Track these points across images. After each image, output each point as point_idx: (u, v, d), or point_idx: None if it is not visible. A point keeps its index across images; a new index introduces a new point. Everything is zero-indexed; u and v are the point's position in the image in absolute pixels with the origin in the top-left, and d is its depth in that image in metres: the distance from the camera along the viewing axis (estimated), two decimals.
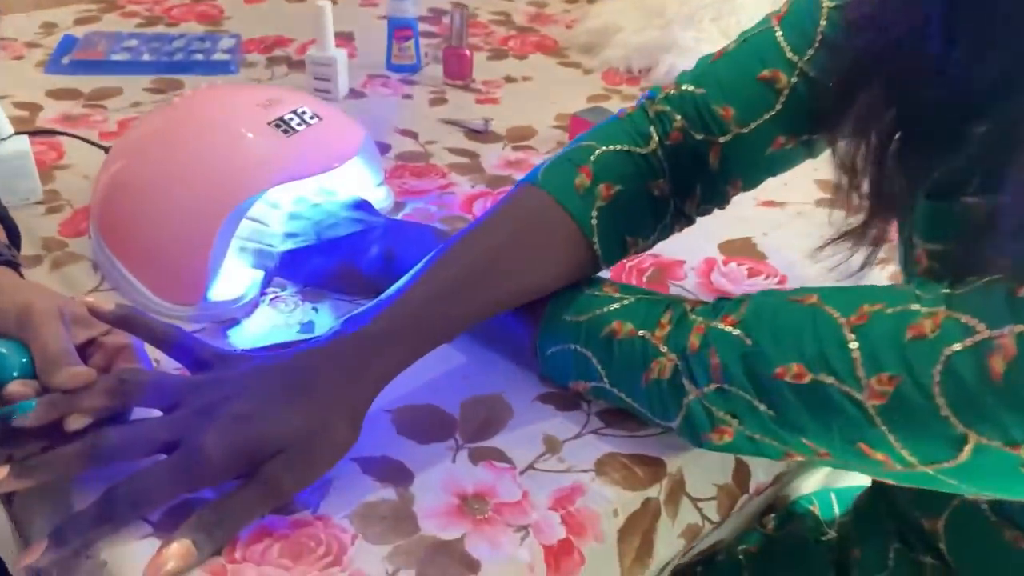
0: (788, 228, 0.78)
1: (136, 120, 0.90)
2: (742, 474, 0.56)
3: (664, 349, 0.49)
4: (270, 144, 0.62)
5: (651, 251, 0.65)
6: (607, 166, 0.55)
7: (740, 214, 0.74)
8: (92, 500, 0.45)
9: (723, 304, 0.49)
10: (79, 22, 1.16)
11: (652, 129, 0.57)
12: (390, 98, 1.01)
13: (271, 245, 0.66)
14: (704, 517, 0.54)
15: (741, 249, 0.75)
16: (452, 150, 0.89)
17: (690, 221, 0.61)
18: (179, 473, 0.45)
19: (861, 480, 0.76)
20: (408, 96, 1.02)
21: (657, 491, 0.51)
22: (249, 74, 1.04)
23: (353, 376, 0.48)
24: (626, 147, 0.56)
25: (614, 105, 0.99)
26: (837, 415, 0.42)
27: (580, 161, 0.56)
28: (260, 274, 0.65)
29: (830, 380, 0.42)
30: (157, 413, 0.48)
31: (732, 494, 0.55)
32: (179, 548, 0.43)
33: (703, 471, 0.54)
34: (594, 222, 0.54)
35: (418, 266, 0.53)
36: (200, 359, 0.50)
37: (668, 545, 0.52)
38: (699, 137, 0.56)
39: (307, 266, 0.66)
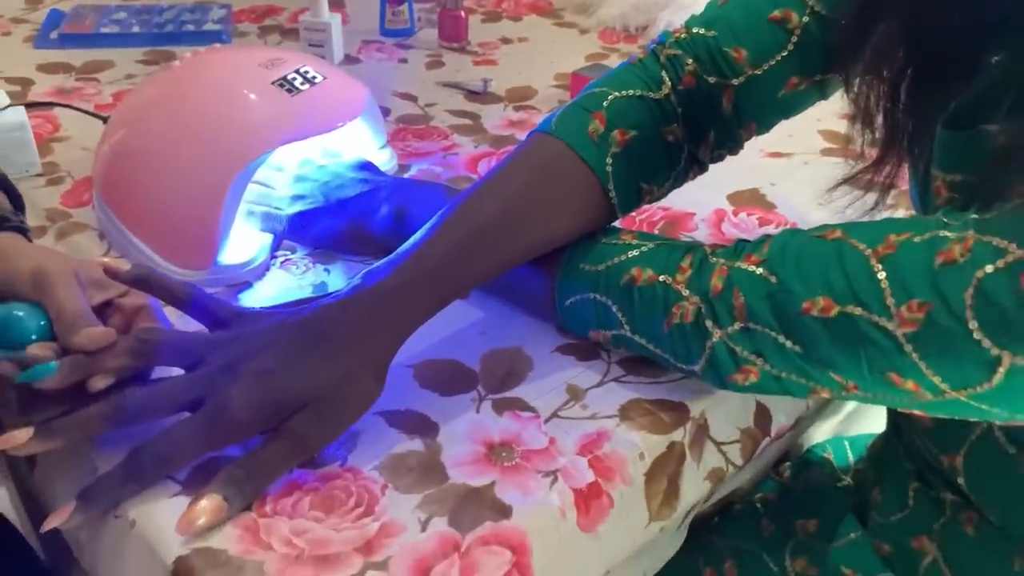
0: (795, 178, 0.78)
1: (132, 89, 0.89)
2: (763, 418, 0.56)
3: (686, 293, 0.48)
4: (275, 104, 0.62)
5: (661, 204, 0.64)
6: (621, 112, 0.55)
7: (747, 165, 0.74)
8: (118, 461, 0.45)
9: (744, 245, 0.49)
10: None
11: (664, 74, 0.57)
12: (386, 63, 1.00)
13: (278, 208, 0.66)
14: (728, 461, 0.54)
15: (750, 200, 0.74)
16: (453, 112, 0.88)
17: (703, 168, 0.60)
18: (205, 430, 0.44)
19: (873, 427, 0.76)
20: (404, 60, 1.01)
21: (681, 435, 0.51)
22: (241, 44, 1.03)
23: (375, 329, 0.48)
24: (639, 92, 0.56)
25: (614, 63, 0.98)
26: (866, 346, 0.42)
27: (593, 107, 0.55)
28: (269, 237, 0.65)
29: (858, 311, 0.42)
30: (178, 372, 0.47)
31: (754, 437, 0.55)
32: (210, 503, 0.43)
33: (726, 415, 0.54)
34: (609, 169, 0.54)
35: (434, 218, 0.52)
36: (219, 317, 0.50)
37: (694, 488, 0.52)
38: (712, 80, 0.56)
39: (316, 228, 0.65)
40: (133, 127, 0.63)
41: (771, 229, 0.71)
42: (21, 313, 0.46)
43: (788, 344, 0.45)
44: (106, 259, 0.49)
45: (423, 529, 0.44)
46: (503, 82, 0.94)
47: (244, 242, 0.63)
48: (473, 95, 0.92)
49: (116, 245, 0.64)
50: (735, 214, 0.72)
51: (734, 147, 0.60)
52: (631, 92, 0.56)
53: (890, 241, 0.42)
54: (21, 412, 0.54)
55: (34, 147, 0.72)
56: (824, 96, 0.58)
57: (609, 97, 0.55)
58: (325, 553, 0.42)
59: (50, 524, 0.44)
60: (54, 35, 1.00)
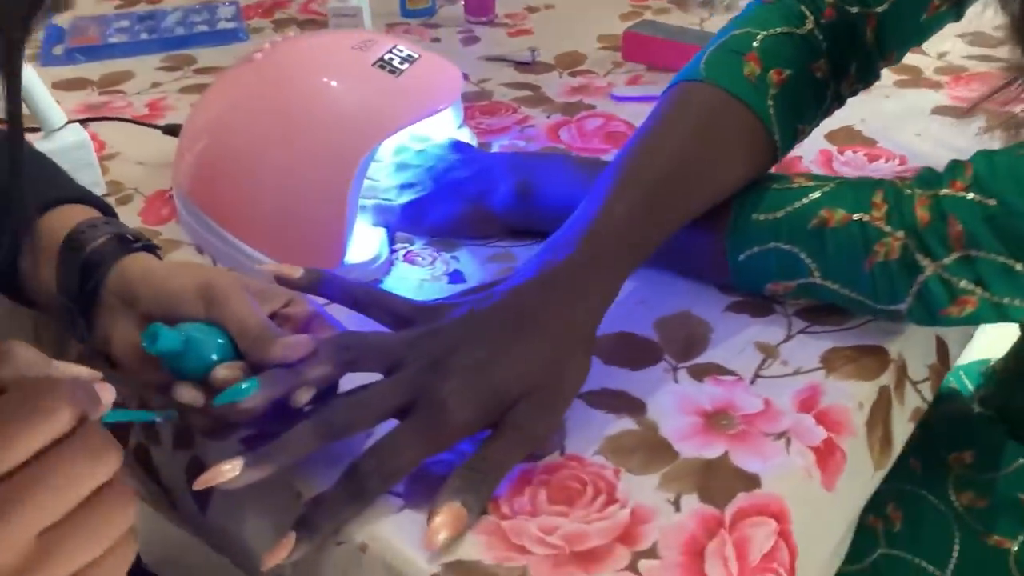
0: (883, 112, 0.76)
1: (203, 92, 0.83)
2: (943, 351, 0.54)
3: (888, 228, 0.46)
4: (382, 87, 0.58)
5: None
6: (772, 51, 0.52)
7: None
8: (322, 483, 0.41)
9: (936, 174, 0.47)
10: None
11: (804, 8, 0.54)
12: (419, 44, 0.95)
13: (388, 199, 0.62)
14: (923, 399, 0.52)
15: (848, 137, 0.72)
16: (509, 85, 0.84)
17: (841, 103, 0.58)
18: (424, 434, 0.41)
19: (977, 355, 0.75)
20: (436, 39, 0.97)
21: (887, 379, 0.49)
22: (261, 40, 0.97)
23: (577, 304, 0.45)
24: (786, 29, 0.53)
25: (655, 17, 0.95)
26: None
27: (743, 49, 0.52)
28: (383, 233, 0.61)
29: None
30: (365, 379, 0.44)
31: (939, 372, 0.54)
32: (450, 514, 0.39)
33: (917, 353, 0.52)
34: (771, 111, 0.51)
35: (600, 182, 0.49)
36: (401, 315, 0.46)
37: (902, 431, 0.50)
38: (854, 11, 0.54)
39: (432, 215, 0.61)
40: (224, 132, 0.59)
41: (882, 164, 0.69)
42: (198, 335, 0.42)
43: (1019, 267, 0.43)
44: (272, 266, 0.45)
45: (677, 509, 0.41)
46: (548, 50, 0.91)
47: (362, 239, 0.59)
48: (522, 66, 0.88)
49: (223, 258, 0.59)
50: (840, 152, 0.70)
51: (871, 79, 0.58)
52: (778, 29, 0.53)
53: None
54: (177, 446, 0.50)
55: (98, 165, 0.67)
56: (959, 17, 0.57)
57: (758, 36, 0.53)
58: (587, 548, 0.39)
59: (272, 562, 0.40)
60: (58, 51, 0.94)
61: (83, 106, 0.83)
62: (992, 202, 0.43)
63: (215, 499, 0.47)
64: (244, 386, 0.40)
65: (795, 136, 0.54)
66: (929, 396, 0.53)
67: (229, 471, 0.39)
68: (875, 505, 0.64)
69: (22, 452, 0.28)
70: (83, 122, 0.70)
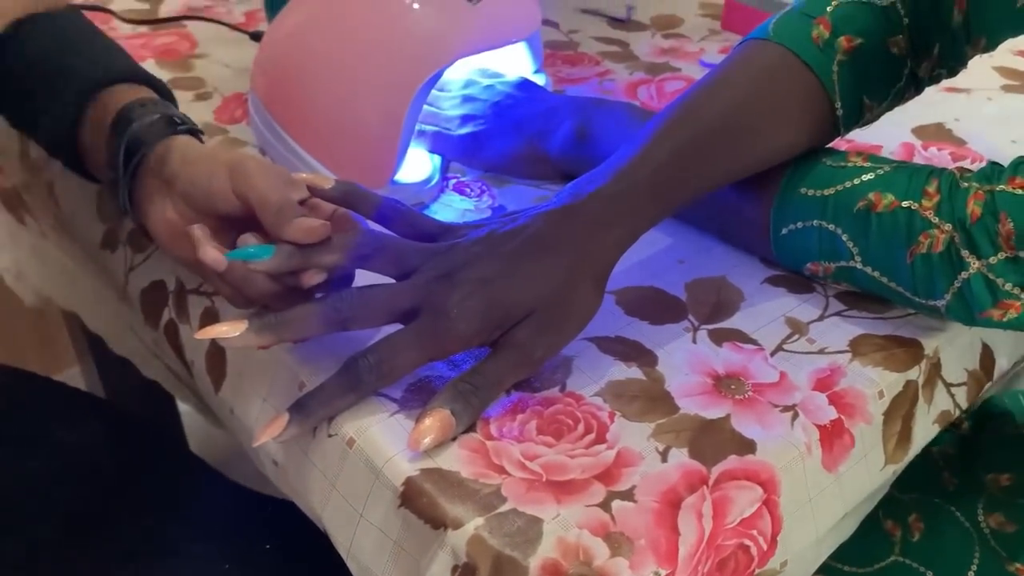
0: (982, 114, 0.72)
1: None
2: (988, 360, 0.52)
3: (936, 220, 0.44)
4: (457, 13, 0.57)
5: (845, 138, 0.60)
6: (846, 18, 0.50)
7: (926, 99, 0.68)
8: (326, 377, 0.42)
9: (999, 169, 0.44)
10: None
11: None
12: None
13: (447, 128, 0.62)
14: (955, 404, 0.50)
15: (936, 134, 0.69)
16: (598, 39, 0.83)
17: (919, 89, 0.56)
18: (424, 339, 0.42)
19: None
20: None
21: (916, 374, 0.47)
22: None
23: (597, 235, 0.44)
24: None
25: None
26: None
27: (816, 12, 0.50)
28: (438, 159, 0.61)
29: None
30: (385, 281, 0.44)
31: (979, 380, 0.51)
32: (437, 418, 0.40)
33: (956, 355, 0.49)
34: (835, 78, 0.49)
35: (648, 125, 0.48)
36: (425, 231, 0.47)
37: (924, 431, 0.48)
38: None
39: (489, 150, 0.61)
40: (299, 41, 0.60)
41: (967, 164, 0.65)
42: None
43: None
44: (306, 175, 0.46)
45: (664, 459, 0.40)
46: (646, 10, 0.89)
47: (415, 163, 0.60)
48: (616, 22, 0.87)
49: (281, 161, 0.61)
50: (924, 148, 0.67)
51: (956, 66, 0.55)
52: None
53: None
54: (203, 327, 0.52)
55: None
56: None
57: (833, 2, 0.50)
58: (564, 479, 0.39)
59: (262, 438, 0.41)
60: None
61: (185, 8, 0.86)
62: None
63: (227, 380, 0.49)
64: (252, 250, 0.42)
65: (860, 110, 0.52)
66: (963, 402, 0.50)
67: (228, 331, 0.41)
68: (897, 512, 0.62)
69: None
70: (180, 19, 0.73)
